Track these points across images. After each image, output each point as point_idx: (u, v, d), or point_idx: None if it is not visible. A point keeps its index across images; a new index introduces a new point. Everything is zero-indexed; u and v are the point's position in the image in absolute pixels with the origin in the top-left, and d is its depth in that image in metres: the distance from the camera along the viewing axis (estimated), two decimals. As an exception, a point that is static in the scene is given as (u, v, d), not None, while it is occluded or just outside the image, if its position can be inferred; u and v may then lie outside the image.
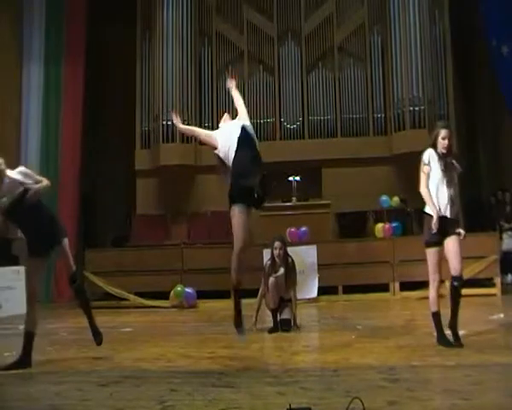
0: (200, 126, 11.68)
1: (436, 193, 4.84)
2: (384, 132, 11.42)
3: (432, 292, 4.91)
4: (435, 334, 5.29)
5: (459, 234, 4.81)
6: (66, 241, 4.94)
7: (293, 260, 6.30)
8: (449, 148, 4.86)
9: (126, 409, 3.44)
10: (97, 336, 5.06)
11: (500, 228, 10.04)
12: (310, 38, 11.88)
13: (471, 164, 11.99)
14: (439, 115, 11.22)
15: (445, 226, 4.78)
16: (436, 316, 4.91)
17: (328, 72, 11.77)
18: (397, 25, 11.17)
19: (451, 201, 4.81)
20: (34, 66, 11.00)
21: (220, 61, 11.96)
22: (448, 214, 4.81)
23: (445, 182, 4.82)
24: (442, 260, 4.85)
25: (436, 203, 4.82)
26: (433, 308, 4.91)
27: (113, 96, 12.44)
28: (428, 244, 4.86)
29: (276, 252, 6.11)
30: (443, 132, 4.87)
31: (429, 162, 4.86)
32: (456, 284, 4.79)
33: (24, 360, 4.70)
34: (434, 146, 4.89)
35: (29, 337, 4.80)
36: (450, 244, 4.79)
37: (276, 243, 6.14)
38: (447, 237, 4.80)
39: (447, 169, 4.84)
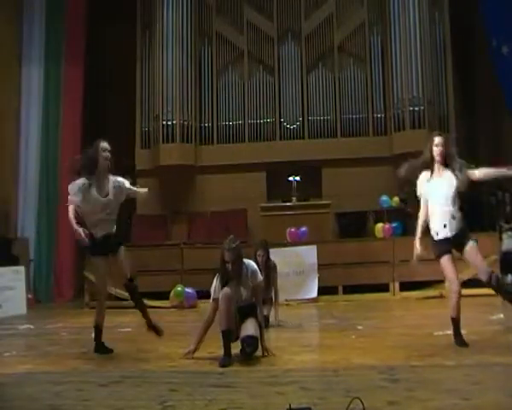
0: (200, 126, 11.73)
1: (433, 215, 4.83)
2: (384, 132, 11.42)
3: (452, 301, 4.86)
4: (435, 333, 5.31)
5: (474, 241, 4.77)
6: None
7: (275, 264, 6.54)
8: (442, 154, 4.82)
9: (126, 409, 3.44)
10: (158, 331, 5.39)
11: (500, 228, 10.03)
12: (310, 38, 11.88)
13: (471, 164, 11.98)
14: (439, 115, 11.24)
15: (453, 244, 4.77)
16: (454, 321, 4.88)
17: (328, 72, 11.77)
18: (397, 25, 11.17)
19: (452, 217, 4.77)
20: (34, 66, 11.00)
21: (220, 61, 11.97)
22: (450, 234, 4.77)
23: (440, 201, 4.79)
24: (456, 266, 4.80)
25: (435, 225, 4.81)
26: (453, 314, 4.87)
27: (113, 97, 12.44)
28: (440, 254, 4.80)
29: (259, 259, 6.27)
30: (436, 140, 4.86)
31: (420, 191, 4.92)
32: (493, 282, 4.71)
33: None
34: (431, 158, 4.86)
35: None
36: (468, 254, 4.75)
37: (259, 251, 6.35)
38: (462, 248, 4.75)
39: (441, 184, 4.79)
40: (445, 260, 4.79)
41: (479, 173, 4.84)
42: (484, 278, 4.73)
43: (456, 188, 4.79)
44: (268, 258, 6.44)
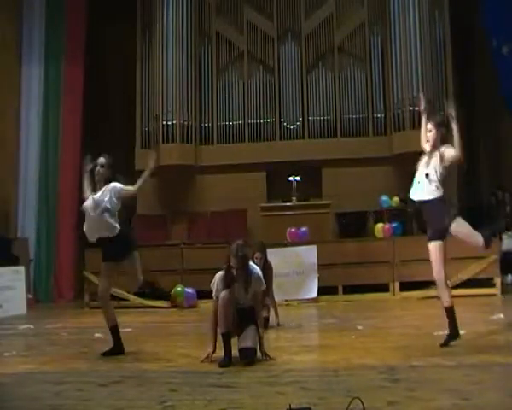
0: (200, 126, 11.74)
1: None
2: (384, 132, 11.42)
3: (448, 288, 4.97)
4: (435, 333, 5.30)
5: None
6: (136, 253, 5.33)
7: (271, 265, 6.50)
8: (432, 140, 4.99)
9: (126, 409, 3.44)
10: None
11: (500, 228, 10.03)
12: (310, 38, 11.88)
13: (471, 164, 11.98)
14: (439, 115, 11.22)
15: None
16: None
17: (328, 72, 11.77)
18: (397, 25, 11.16)
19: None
20: (34, 66, 11.01)
21: (220, 61, 11.96)
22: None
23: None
24: None
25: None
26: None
27: (113, 96, 12.44)
28: (442, 236, 4.89)
29: (256, 261, 6.15)
30: (428, 125, 5.07)
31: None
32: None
33: (118, 348, 5.14)
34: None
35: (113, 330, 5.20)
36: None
37: (257, 254, 6.29)
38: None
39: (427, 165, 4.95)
40: (443, 247, 4.93)
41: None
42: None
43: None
44: (266, 260, 6.41)
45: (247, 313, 4.67)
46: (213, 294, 4.72)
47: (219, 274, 4.72)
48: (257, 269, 4.79)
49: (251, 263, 4.79)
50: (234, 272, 4.61)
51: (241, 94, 11.82)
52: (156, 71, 11.54)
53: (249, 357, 4.53)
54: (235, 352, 4.58)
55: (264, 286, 4.84)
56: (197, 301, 8.68)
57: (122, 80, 12.17)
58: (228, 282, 4.62)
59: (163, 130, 11.24)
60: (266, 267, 6.36)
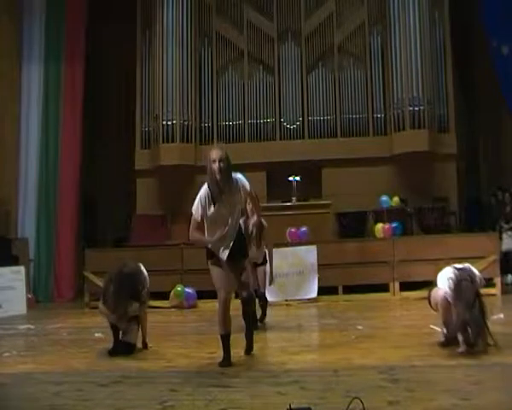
0: (200, 126, 11.73)
1: None
2: (384, 132, 11.40)
3: None
4: (435, 333, 5.30)
5: None
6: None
7: (265, 223, 6.29)
8: None
9: (126, 409, 3.44)
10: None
11: (500, 228, 10.04)
12: (310, 38, 11.87)
13: (471, 164, 12.00)
14: (439, 115, 11.23)
15: None
16: None
17: (328, 72, 11.76)
18: (397, 25, 11.15)
19: None
20: (34, 66, 11.01)
21: (220, 61, 11.96)
22: None
23: None
24: None
25: None
26: None
27: (113, 96, 12.44)
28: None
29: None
30: None
31: None
32: None
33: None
34: None
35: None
36: None
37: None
38: None
39: None
40: None
41: None
42: None
43: None
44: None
45: (236, 252, 4.59)
46: (194, 212, 4.57)
47: (201, 193, 4.57)
48: (240, 175, 4.61)
49: (234, 173, 4.57)
50: (219, 177, 4.44)
51: (241, 94, 11.82)
52: (156, 71, 11.53)
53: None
54: (234, 352, 4.59)
55: (248, 186, 4.66)
56: (197, 301, 8.68)
57: (122, 80, 12.16)
58: (215, 193, 4.47)
59: (163, 130, 11.23)
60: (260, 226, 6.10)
